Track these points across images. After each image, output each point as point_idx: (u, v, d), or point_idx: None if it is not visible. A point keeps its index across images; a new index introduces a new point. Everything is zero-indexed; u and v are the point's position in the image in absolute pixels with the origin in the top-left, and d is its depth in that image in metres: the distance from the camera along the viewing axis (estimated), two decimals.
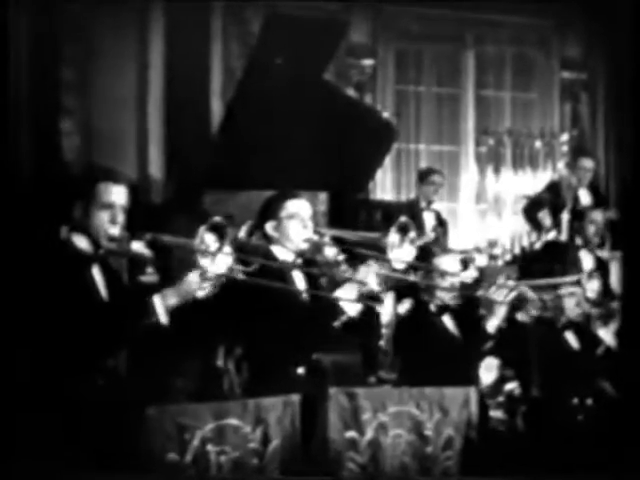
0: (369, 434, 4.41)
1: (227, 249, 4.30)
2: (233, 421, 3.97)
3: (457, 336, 6.15)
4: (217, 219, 4.26)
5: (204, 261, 4.09)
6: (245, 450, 4.01)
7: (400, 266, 5.07)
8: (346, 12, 10.14)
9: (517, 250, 9.82)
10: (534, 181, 10.69)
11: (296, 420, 4.23)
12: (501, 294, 5.91)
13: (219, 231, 4.26)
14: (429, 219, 9.19)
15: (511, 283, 6.06)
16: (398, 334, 6.23)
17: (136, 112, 9.28)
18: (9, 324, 3.94)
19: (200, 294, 4.08)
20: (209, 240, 4.23)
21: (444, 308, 6.11)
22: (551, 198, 9.61)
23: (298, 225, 4.83)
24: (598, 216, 9.02)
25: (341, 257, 4.80)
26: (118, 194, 4.19)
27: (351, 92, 10.17)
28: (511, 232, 10.15)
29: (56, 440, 3.78)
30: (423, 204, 9.28)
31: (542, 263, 8.38)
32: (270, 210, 4.88)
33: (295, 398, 4.25)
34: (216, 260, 4.21)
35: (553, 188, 9.88)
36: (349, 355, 6.25)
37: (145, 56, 9.30)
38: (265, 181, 6.68)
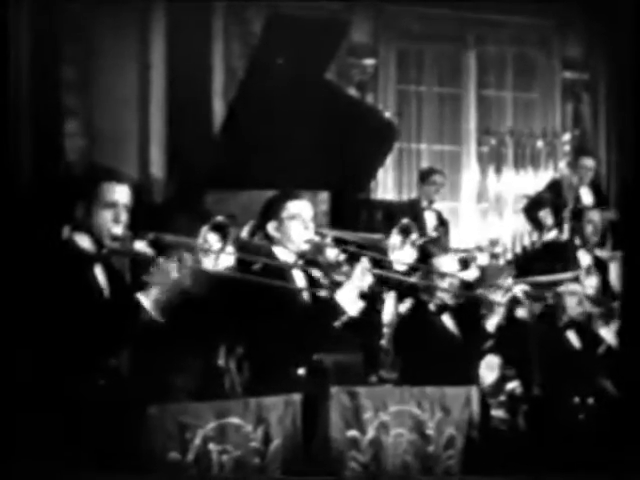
0: (370, 433, 4.41)
1: (229, 249, 4.30)
2: (234, 420, 3.97)
3: (457, 335, 6.15)
4: (220, 219, 4.27)
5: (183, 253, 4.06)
6: (247, 449, 4.01)
7: (401, 267, 5.07)
8: (347, 12, 10.14)
9: (518, 249, 9.82)
10: (535, 181, 10.69)
11: (297, 419, 4.23)
12: (499, 294, 5.93)
13: (222, 231, 4.26)
14: (430, 219, 9.18)
15: (508, 283, 6.06)
16: (398, 333, 6.24)
17: (138, 112, 9.28)
18: (11, 323, 3.94)
19: (179, 282, 4.03)
20: (212, 240, 4.24)
21: (444, 307, 6.12)
22: (552, 197, 9.60)
23: (299, 226, 4.83)
24: (595, 216, 9.01)
25: (342, 258, 4.79)
26: (121, 193, 4.20)
27: (352, 92, 10.17)
28: (512, 231, 10.16)
29: (57, 440, 3.78)
30: (424, 204, 9.27)
31: (542, 262, 8.38)
32: (271, 210, 4.88)
33: (296, 397, 4.25)
34: (219, 259, 4.22)
35: (554, 187, 9.87)
36: (350, 355, 6.26)
37: (146, 56, 9.30)
38: (267, 181, 6.69)
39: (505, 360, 6.64)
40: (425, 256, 6.10)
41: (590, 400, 6.45)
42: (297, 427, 4.23)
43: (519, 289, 6.26)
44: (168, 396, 5.07)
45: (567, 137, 11.08)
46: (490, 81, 11.24)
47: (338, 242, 4.98)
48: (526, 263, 8.89)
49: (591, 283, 7.30)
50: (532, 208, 9.59)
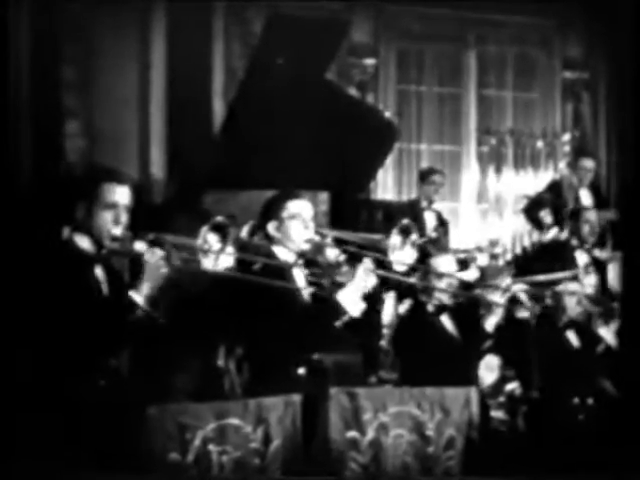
0: (370, 434, 4.42)
1: (229, 249, 4.30)
2: (234, 421, 3.97)
3: (455, 336, 6.15)
4: (219, 219, 4.27)
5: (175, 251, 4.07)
6: (246, 450, 4.01)
7: (401, 268, 5.07)
8: (348, 12, 10.13)
9: (518, 250, 9.82)
10: (535, 181, 10.69)
11: (297, 420, 4.23)
12: (497, 294, 5.93)
13: (221, 231, 4.26)
14: (430, 219, 9.18)
15: (507, 283, 6.06)
16: (398, 334, 6.24)
17: (138, 112, 9.28)
18: (11, 324, 3.95)
19: (168, 277, 4.04)
20: (212, 240, 4.24)
21: (442, 308, 6.12)
22: (552, 198, 9.61)
23: (299, 226, 4.82)
24: (592, 216, 8.99)
25: (342, 258, 4.79)
26: (121, 194, 4.20)
27: (353, 92, 10.17)
28: (512, 232, 10.15)
29: (57, 440, 3.78)
30: (424, 204, 9.27)
31: (542, 262, 8.38)
32: (272, 210, 4.88)
33: (296, 398, 4.25)
34: (218, 260, 4.22)
35: (554, 188, 9.88)
36: (350, 355, 6.26)
37: (147, 56, 9.30)
38: (267, 181, 6.68)
39: (505, 361, 6.64)
40: (424, 256, 6.10)
41: (590, 400, 6.45)
42: (297, 428, 4.23)
43: (519, 289, 6.27)
44: (168, 397, 5.07)
45: (567, 137, 11.08)
46: (490, 81, 11.24)
47: (338, 242, 4.98)
48: (526, 263, 8.90)
49: (590, 282, 7.30)
50: (532, 208, 9.59)
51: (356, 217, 8.65)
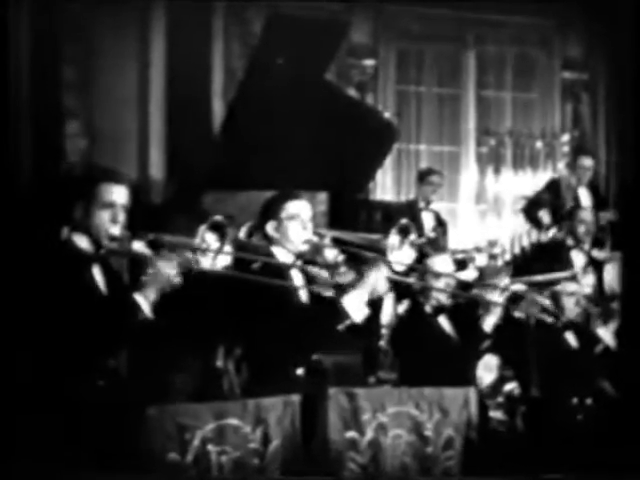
0: (369, 434, 4.42)
1: (228, 249, 4.31)
2: (233, 421, 3.97)
3: (453, 336, 6.16)
4: (218, 218, 4.27)
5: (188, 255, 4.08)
6: (246, 450, 4.01)
7: (400, 268, 5.07)
8: (347, 12, 10.15)
9: (517, 250, 9.83)
10: (534, 181, 10.70)
11: (296, 420, 4.23)
12: (495, 294, 5.93)
13: (220, 230, 4.27)
14: (428, 219, 9.18)
15: (505, 282, 6.06)
16: (396, 334, 6.24)
17: (137, 112, 9.29)
18: (10, 324, 3.95)
19: (174, 281, 4.04)
20: (210, 239, 4.24)
21: (440, 309, 6.12)
22: (551, 198, 9.61)
23: (298, 226, 4.82)
24: (588, 215, 8.98)
25: (341, 259, 4.79)
26: (119, 194, 4.20)
27: (352, 92, 10.18)
28: (511, 232, 10.17)
29: (56, 440, 3.78)
30: (422, 204, 9.27)
31: (540, 263, 8.38)
32: (270, 211, 4.88)
33: (295, 398, 4.25)
34: (216, 259, 4.22)
35: (553, 188, 9.87)
36: (349, 355, 6.27)
37: (146, 56, 9.31)
38: (266, 181, 6.69)
39: (503, 361, 6.64)
40: (422, 257, 6.10)
41: (588, 401, 6.44)
42: (296, 428, 4.23)
43: (519, 288, 6.27)
44: (167, 397, 5.07)
45: (566, 138, 11.09)
46: (489, 81, 11.25)
47: (337, 243, 4.98)
48: (524, 264, 8.90)
49: (588, 282, 7.31)
50: (530, 208, 9.60)
51: (355, 217, 8.65)
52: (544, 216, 9.30)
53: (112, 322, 4.00)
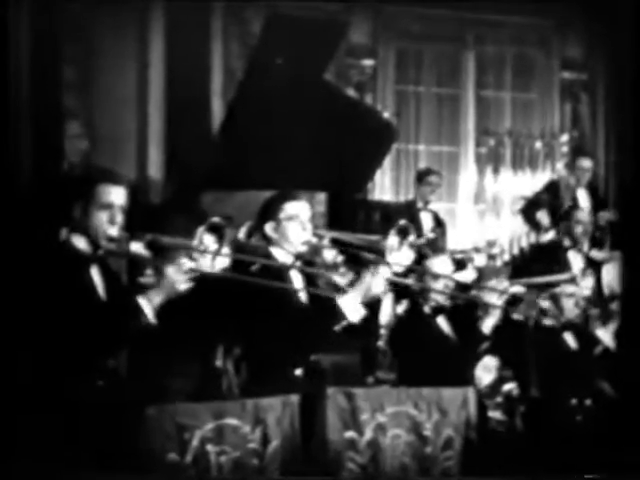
0: (368, 434, 4.42)
1: (226, 250, 4.31)
2: (232, 421, 3.98)
3: (452, 337, 6.16)
4: (216, 219, 4.27)
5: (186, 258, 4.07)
6: (245, 450, 4.02)
7: (399, 269, 5.08)
8: (346, 12, 10.15)
9: (515, 250, 9.83)
10: (533, 182, 10.70)
11: (295, 420, 4.24)
12: (494, 296, 5.93)
13: (218, 232, 4.27)
14: (427, 219, 9.19)
15: (504, 284, 6.06)
16: (395, 335, 6.24)
17: (136, 112, 9.29)
18: (9, 325, 3.95)
19: (181, 288, 4.04)
20: (208, 241, 4.24)
21: (439, 309, 6.12)
22: (550, 198, 9.61)
23: (297, 227, 4.82)
24: (584, 216, 8.98)
25: (340, 259, 4.80)
26: (117, 195, 4.20)
27: (351, 92, 10.18)
28: (510, 232, 10.17)
29: (56, 440, 3.79)
30: (420, 204, 9.27)
31: (539, 263, 8.39)
32: (269, 211, 4.88)
33: (294, 398, 4.26)
34: (215, 260, 4.23)
35: (552, 188, 9.88)
36: (348, 356, 6.27)
37: (145, 56, 9.31)
38: (265, 181, 6.69)
39: (502, 361, 6.65)
40: (421, 258, 6.11)
41: (588, 401, 6.45)
42: (295, 428, 4.23)
43: (518, 290, 6.28)
44: (166, 397, 5.07)
45: (565, 138, 11.09)
46: (489, 81, 11.25)
47: (336, 243, 4.98)
48: (523, 264, 8.91)
49: (587, 284, 7.31)
50: (529, 209, 9.60)
51: (354, 218, 8.65)
52: (543, 217, 9.30)
53: (111, 322, 4.00)
